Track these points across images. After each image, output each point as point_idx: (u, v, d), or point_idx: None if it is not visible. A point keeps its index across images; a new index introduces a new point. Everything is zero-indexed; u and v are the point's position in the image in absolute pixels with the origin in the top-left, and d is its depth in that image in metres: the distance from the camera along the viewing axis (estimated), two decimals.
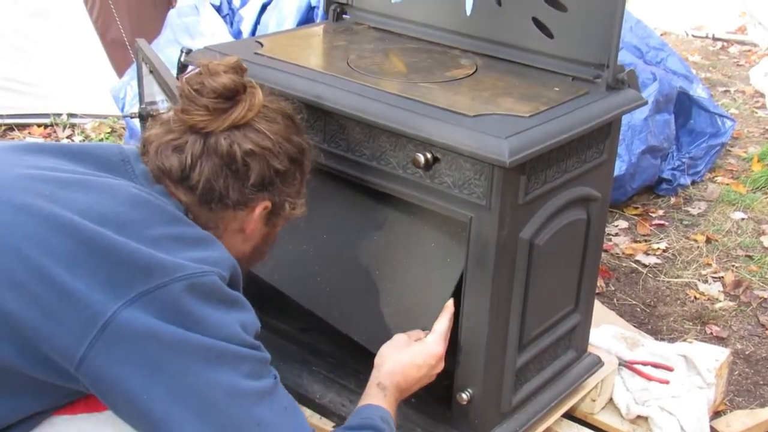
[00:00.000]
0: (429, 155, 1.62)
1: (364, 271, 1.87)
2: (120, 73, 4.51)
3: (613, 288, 3.23)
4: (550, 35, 1.85)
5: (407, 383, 1.67)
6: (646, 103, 1.87)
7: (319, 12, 4.20)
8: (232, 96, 1.43)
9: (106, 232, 1.27)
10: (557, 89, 1.77)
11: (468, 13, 2.00)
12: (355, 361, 2.02)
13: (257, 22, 4.35)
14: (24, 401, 1.31)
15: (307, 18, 4.23)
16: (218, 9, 4.41)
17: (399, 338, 1.72)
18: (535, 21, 1.87)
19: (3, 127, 4.45)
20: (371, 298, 1.85)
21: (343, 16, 2.25)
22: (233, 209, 1.46)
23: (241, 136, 1.43)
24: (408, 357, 1.67)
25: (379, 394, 1.61)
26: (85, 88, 4.52)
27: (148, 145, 1.46)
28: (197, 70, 1.46)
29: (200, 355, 1.25)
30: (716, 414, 2.44)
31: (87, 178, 1.38)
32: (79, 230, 1.27)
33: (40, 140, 4.28)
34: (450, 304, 1.74)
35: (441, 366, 1.71)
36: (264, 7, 4.36)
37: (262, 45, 2.01)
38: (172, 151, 1.42)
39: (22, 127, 4.49)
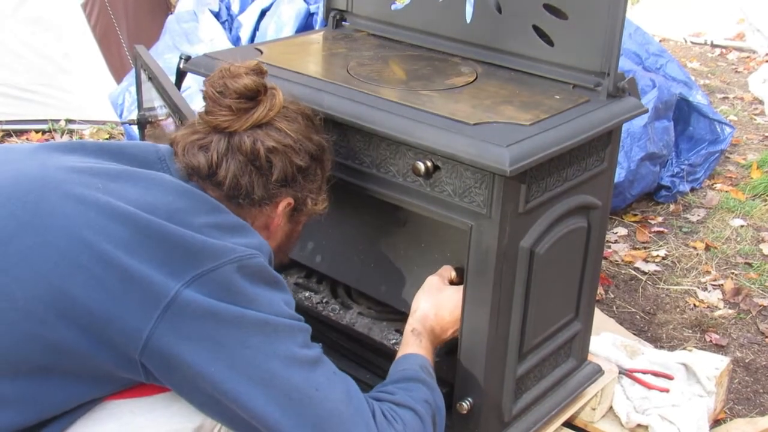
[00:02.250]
0: (429, 163, 1.61)
1: (403, 249, 1.93)
2: (118, 79, 4.50)
3: (612, 295, 3.22)
4: (550, 43, 1.85)
5: (441, 327, 1.75)
6: (646, 111, 1.87)
7: (318, 18, 4.20)
8: (253, 96, 1.50)
9: (158, 220, 1.34)
10: (558, 97, 1.77)
11: (468, 20, 1.99)
12: (354, 370, 2.01)
13: (256, 28, 4.35)
14: (83, 388, 1.36)
15: (305, 24, 4.22)
16: (217, 15, 4.41)
17: (431, 282, 1.79)
18: (536, 29, 1.86)
19: (1, 133, 4.45)
20: (413, 273, 1.90)
21: (343, 23, 2.25)
22: (259, 205, 1.53)
23: (264, 134, 1.50)
24: (440, 300, 1.75)
25: (414, 341, 1.70)
26: (84, 94, 4.51)
27: (175, 145, 1.53)
28: (219, 73, 1.52)
29: (258, 329, 1.34)
30: (716, 422, 2.43)
31: (131, 171, 1.45)
32: (135, 219, 1.33)
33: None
34: None
35: None
36: (263, 13, 4.36)
37: (261, 52, 2.00)
38: (198, 150, 1.50)
39: (20, 133, 4.48)
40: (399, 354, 1.69)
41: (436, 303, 1.75)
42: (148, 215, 1.34)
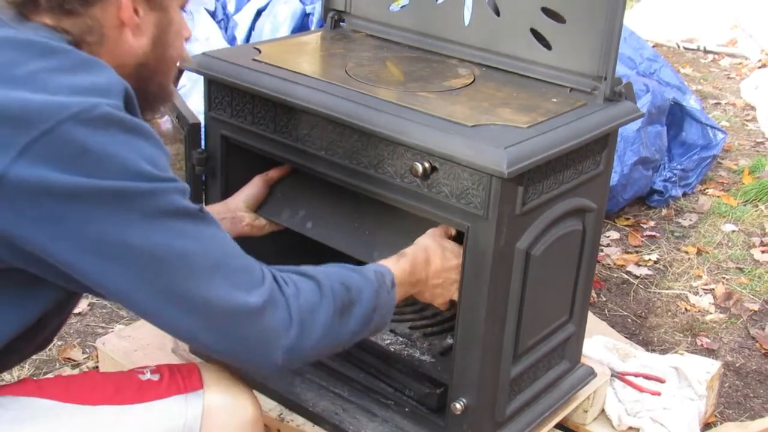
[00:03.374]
0: (427, 164, 1.62)
1: (403, 218, 1.89)
2: None
3: (604, 299, 3.24)
4: (548, 46, 1.86)
5: (432, 264, 1.68)
6: (642, 115, 1.88)
7: (314, 19, 4.20)
8: None
9: None
10: (555, 100, 1.78)
11: (466, 22, 2.00)
12: (348, 370, 2.02)
13: (252, 28, 4.35)
14: None
15: (301, 24, 4.24)
16: (213, 14, 4.41)
17: (433, 230, 1.75)
18: (534, 32, 1.87)
19: None
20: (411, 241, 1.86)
21: (341, 23, 2.25)
22: (95, 2, 1.30)
23: None
24: (442, 243, 1.71)
25: (393, 258, 1.63)
26: None
27: None
28: None
29: (103, 200, 1.17)
30: (707, 426, 2.45)
31: None
32: None
33: None
34: None
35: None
36: (259, 13, 4.37)
37: (259, 51, 2.01)
38: None
39: None
40: None
41: (438, 243, 1.70)
42: None
